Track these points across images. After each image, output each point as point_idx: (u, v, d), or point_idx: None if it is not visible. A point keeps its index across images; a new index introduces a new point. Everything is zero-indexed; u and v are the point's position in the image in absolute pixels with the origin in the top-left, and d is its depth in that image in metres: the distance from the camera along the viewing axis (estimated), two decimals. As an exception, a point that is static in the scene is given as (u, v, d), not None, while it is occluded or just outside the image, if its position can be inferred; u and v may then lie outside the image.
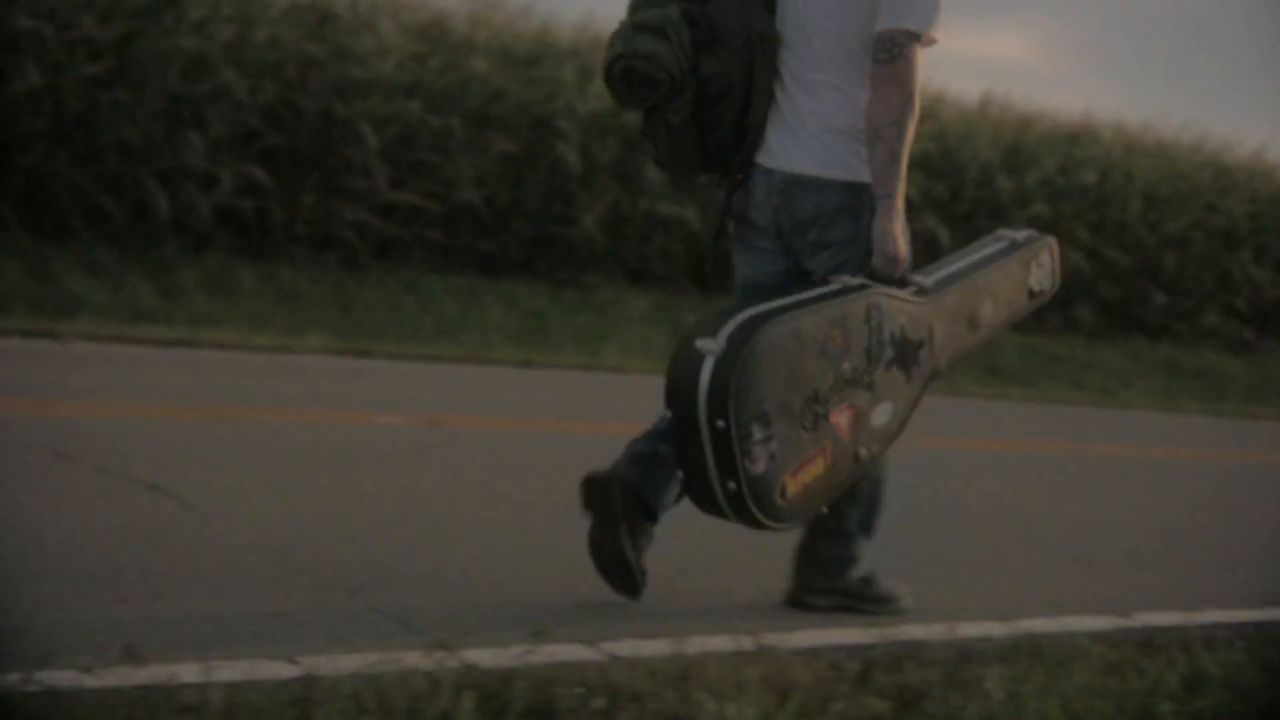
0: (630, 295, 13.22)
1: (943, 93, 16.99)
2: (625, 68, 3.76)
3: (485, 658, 3.13)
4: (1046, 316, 15.62)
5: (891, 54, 3.69)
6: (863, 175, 3.79)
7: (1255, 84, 35.49)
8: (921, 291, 3.83)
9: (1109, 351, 15.26)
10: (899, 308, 3.74)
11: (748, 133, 3.85)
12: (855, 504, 3.92)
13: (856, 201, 3.80)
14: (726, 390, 3.44)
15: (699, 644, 3.47)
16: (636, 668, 3.15)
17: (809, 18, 3.80)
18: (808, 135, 3.83)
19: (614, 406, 7.72)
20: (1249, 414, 13.34)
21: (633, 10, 3.84)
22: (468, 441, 6.48)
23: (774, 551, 4.14)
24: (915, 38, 3.70)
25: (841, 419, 3.62)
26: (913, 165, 14.68)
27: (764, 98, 3.84)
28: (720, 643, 3.51)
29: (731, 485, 3.50)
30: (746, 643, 3.50)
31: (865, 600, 4.00)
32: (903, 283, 3.80)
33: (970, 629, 3.87)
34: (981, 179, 15.50)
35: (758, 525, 3.62)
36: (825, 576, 3.98)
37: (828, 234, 3.82)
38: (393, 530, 4.49)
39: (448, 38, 13.41)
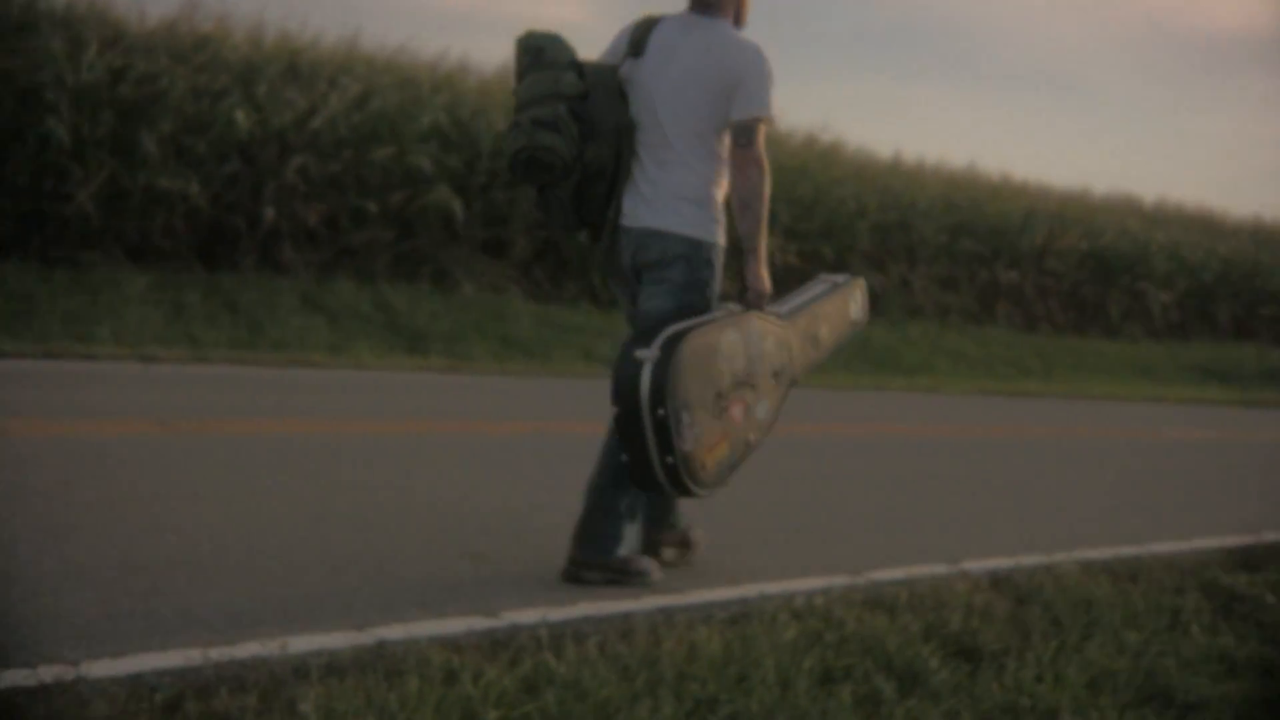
0: (129, 274, 12.73)
1: (464, 60, 17.01)
2: (529, 157, 4.62)
3: None
4: (564, 284, 15.88)
5: (750, 139, 4.69)
6: (699, 233, 4.74)
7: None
8: (781, 318, 4.91)
9: (622, 320, 15.59)
10: (768, 329, 4.83)
11: (613, 200, 4.75)
12: (624, 492, 4.73)
13: (690, 251, 4.73)
14: (664, 386, 4.46)
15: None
16: None
17: (659, 111, 4.73)
18: (659, 201, 4.74)
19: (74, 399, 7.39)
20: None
21: (525, 106, 4.65)
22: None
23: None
24: (764, 121, 4.71)
25: (736, 411, 4.70)
26: (426, 138, 14.77)
27: (625, 173, 4.76)
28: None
29: (669, 460, 4.52)
30: (49, 674, 3.33)
31: (628, 574, 4.78)
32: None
33: (304, 643, 3.78)
34: (497, 151, 15.56)
35: (687, 492, 4.66)
36: (597, 553, 4.74)
37: (666, 273, 4.74)
38: None
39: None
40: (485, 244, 15.56)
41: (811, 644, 4.28)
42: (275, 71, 14.68)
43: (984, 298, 20.82)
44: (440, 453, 7.47)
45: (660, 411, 4.48)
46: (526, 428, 8.89)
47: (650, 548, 4.99)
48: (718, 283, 4.83)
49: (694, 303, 4.74)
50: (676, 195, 4.73)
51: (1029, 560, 5.76)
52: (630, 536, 4.80)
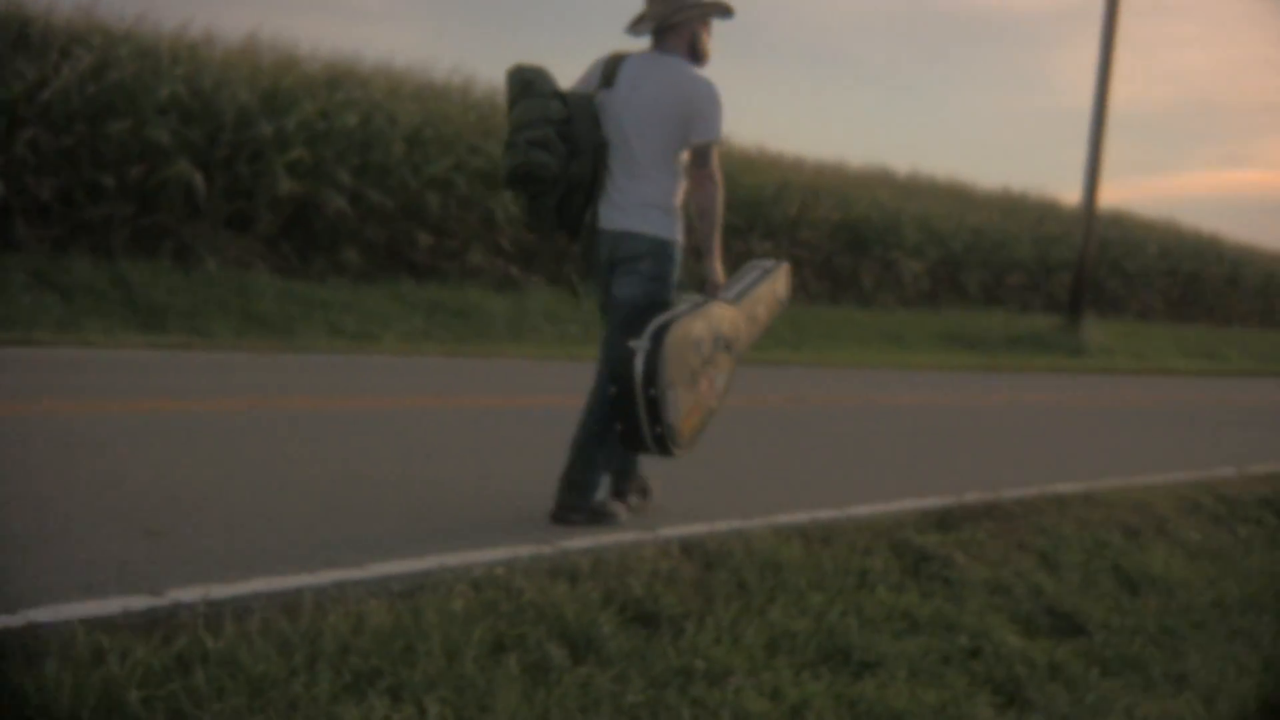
0: None
1: (209, 31, 16.62)
2: (525, 172, 5.47)
3: None
4: (311, 259, 15.67)
5: (705, 159, 5.67)
6: (664, 234, 5.65)
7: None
8: (730, 304, 5.88)
9: (373, 294, 15.47)
10: (724, 314, 5.83)
11: (590, 207, 5.68)
12: (601, 449, 5.73)
13: (658, 249, 5.66)
14: (655, 370, 5.46)
15: None
16: None
17: (628, 133, 5.63)
18: (630, 207, 5.64)
19: None
20: (501, 354, 13.89)
21: (520, 129, 5.48)
22: None
23: None
24: (716, 144, 5.71)
25: (704, 385, 5.72)
26: (165, 110, 14.38)
27: (601, 185, 5.66)
28: None
29: (658, 429, 5.53)
30: None
31: (604, 515, 5.79)
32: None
33: None
34: (240, 122, 15.27)
35: (669, 454, 5.65)
36: (580, 498, 5.73)
37: (637, 266, 5.66)
38: None
39: None
40: (230, 218, 15.26)
41: (485, 614, 4.29)
42: (3, 41, 14.17)
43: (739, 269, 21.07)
44: (138, 431, 7.27)
45: (651, 391, 5.47)
46: (241, 404, 8.73)
47: (619, 495, 5.96)
48: (677, 273, 5.77)
49: (658, 290, 5.69)
50: (644, 203, 5.65)
51: (724, 526, 5.85)
52: (604, 486, 5.87)
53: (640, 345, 5.47)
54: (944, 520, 6.60)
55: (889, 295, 23.83)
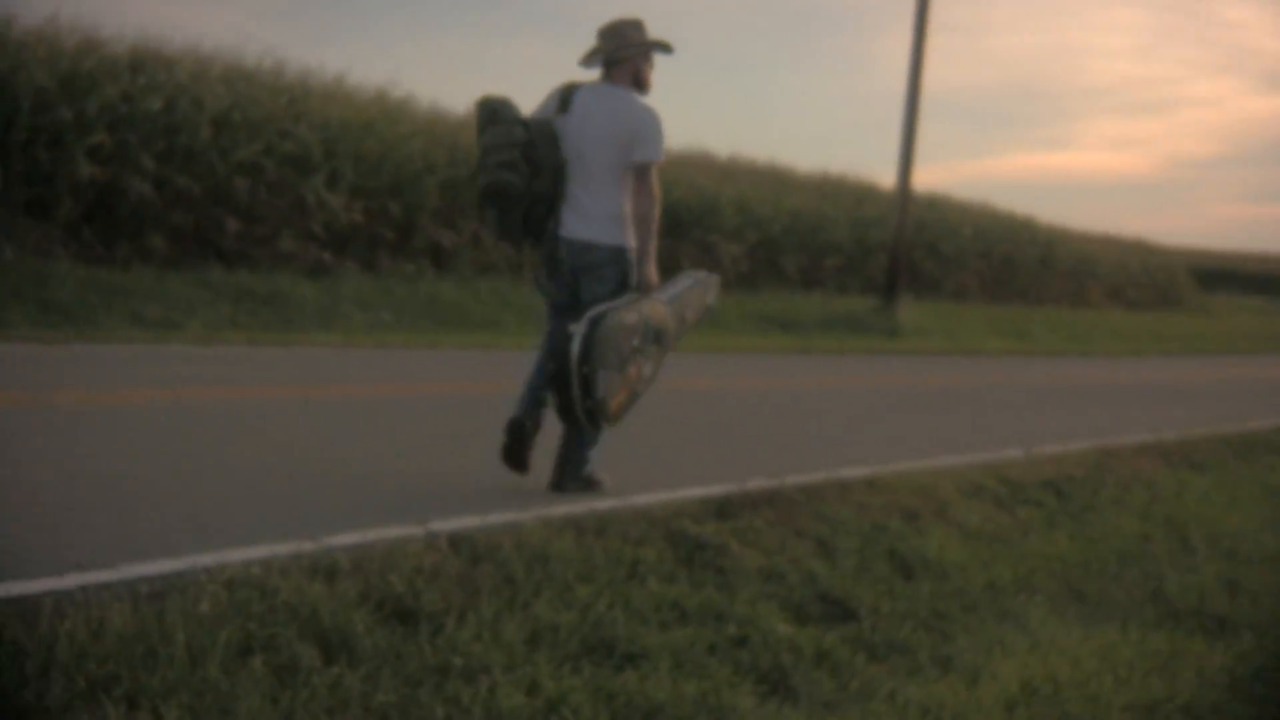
0: None
1: (7, 13, 16.11)
2: (496, 190, 6.43)
3: None
4: (115, 246, 15.34)
5: (646, 176, 6.59)
6: (620, 241, 6.59)
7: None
8: (664, 303, 6.68)
9: (179, 281, 15.15)
10: (656, 310, 6.61)
11: (552, 218, 6.61)
12: (587, 430, 6.61)
13: (617, 255, 6.59)
14: (589, 352, 6.30)
15: None
16: None
17: (584, 154, 6.55)
18: (589, 218, 6.58)
19: None
20: (305, 341, 13.70)
21: (489, 152, 6.42)
22: None
23: None
24: (655, 164, 6.61)
25: (633, 370, 6.49)
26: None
27: (561, 199, 6.60)
28: None
29: (589, 403, 6.36)
30: None
31: (595, 485, 6.77)
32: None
33: None
34: (38, 107, 14.87)
35: (599, 427, 6.55)
36: (574, 469, 6.71)
37: (603, 271, 6.58)
38: None
39: None
40: (29, 204, 14.86)
41: (235, 615, 4.24)
42: None
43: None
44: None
45: (585, 369, 6.30)
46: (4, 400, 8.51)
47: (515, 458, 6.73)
48: (634, 273, 6.61)
49: (621, 290, 6.59)
50: (600, 214, 6.57)
51: (496, 519, 5.84)
52: (594, 459, 6.79)
53: (578, 329, 6.33)
54: (724, 508, 6.66)
55: (708, 278, 23.89)
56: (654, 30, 6.67)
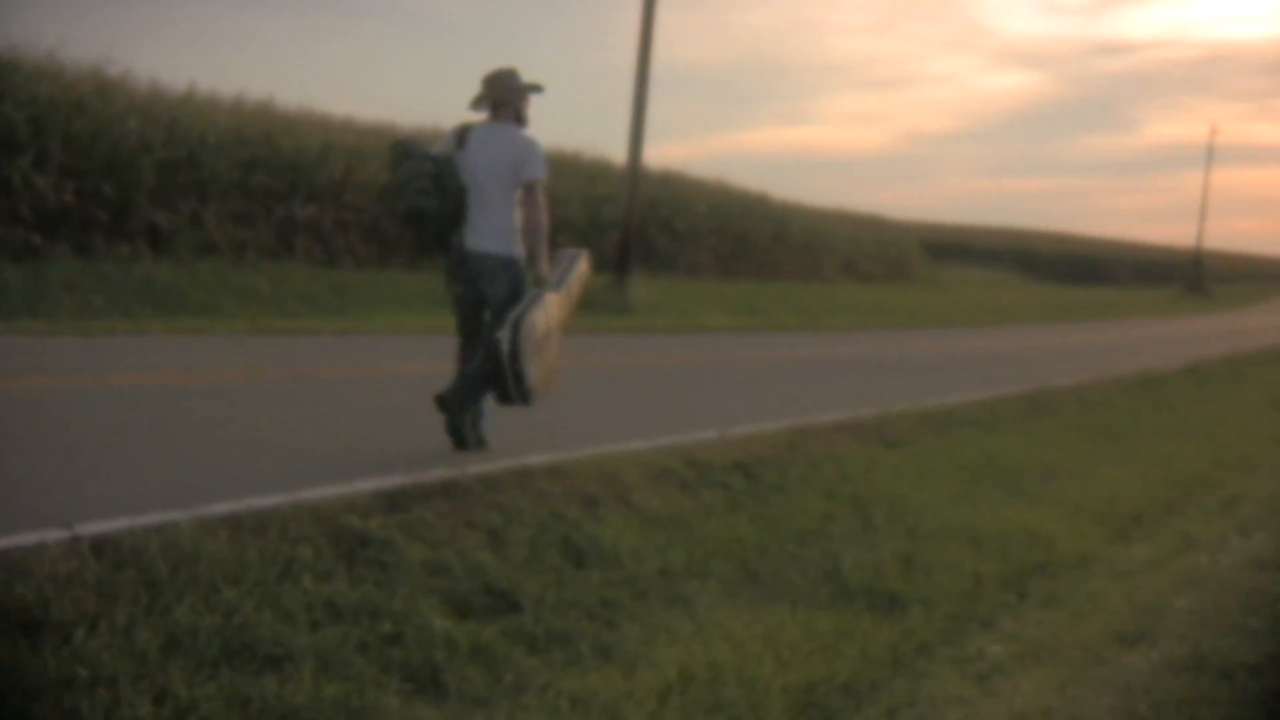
0: None
1: None
2: (414, 212, 7.98)
3: None
4: None
5: (533, 192, 7.99)
6: (511, 252, 8.07)
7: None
8: (557, 290, 8.17)
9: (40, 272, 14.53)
10: (553, 299, 8.06)
11: (456, 234, 8.09)
12: (479, 398, 8.14)
13: (507, 263, 8.07)
14: (517, 350, 7.68)
15: None
16: None
17: (480, 179, 8.01)
18: (487, 232, 8.06)
19: None
20: (9, 329, 13.22)
21: (407, 181, 7.95)
22: None
23: None
24: (540, 182, 7.99)
25: (548, 353, 7.99)
26: None
27: (464, 218, 8.07)
28: None
29: (523, 389, 7.80)
30: None
31: (483, 445, 8.33)
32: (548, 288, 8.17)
33: None
34: None
35: (529, 404, 7.95)
36: (471, 428, 8.22)
37: (497, 275, 8.06)
38: None
39: None
40: None
41: None
42: None
43: (282, 233, 20.68)
44: None
45: (516, 365, 7.70)
46: None
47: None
48: (525, 275, 8.09)
49: (516, 290, 8.05)
50: (495, 229, 8.05)
51: (147, 520, 5.68)
52: (482, 422, 8.34)
53: (504, 335, 7.70)
54: (395, 501, 6.62)
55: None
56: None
